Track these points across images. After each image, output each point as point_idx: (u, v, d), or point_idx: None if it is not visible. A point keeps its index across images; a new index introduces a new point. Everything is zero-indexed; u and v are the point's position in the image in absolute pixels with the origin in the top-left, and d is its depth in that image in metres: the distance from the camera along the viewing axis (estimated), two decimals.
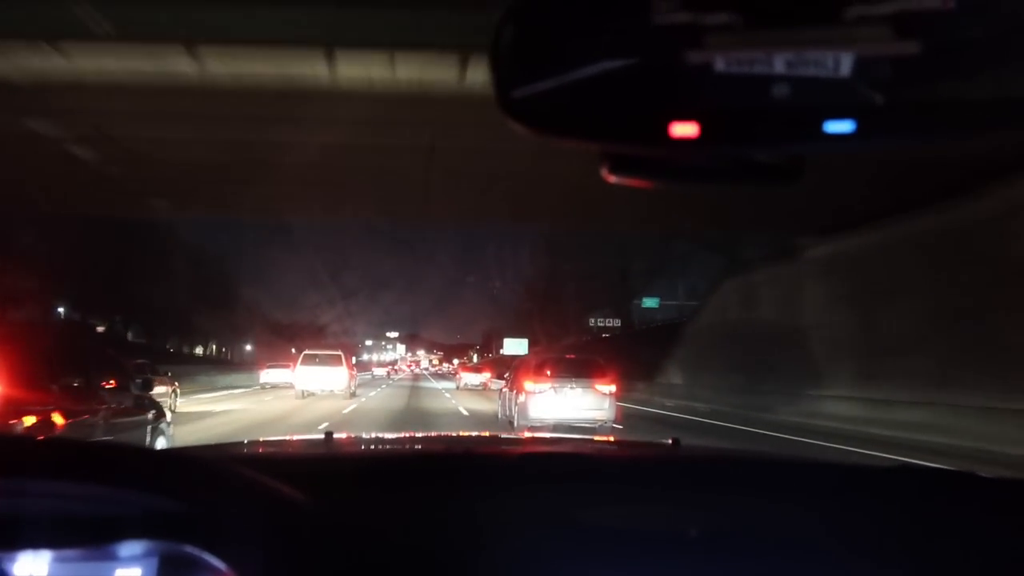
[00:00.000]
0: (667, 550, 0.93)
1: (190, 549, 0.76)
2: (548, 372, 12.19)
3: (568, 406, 11.80)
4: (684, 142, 0.52)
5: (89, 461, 0.78)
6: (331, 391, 23.19)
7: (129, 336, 44.40)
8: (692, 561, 0.92)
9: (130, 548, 0.80)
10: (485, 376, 36.10)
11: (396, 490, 1.08)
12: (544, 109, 0.55)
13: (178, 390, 17.69)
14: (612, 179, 0.61)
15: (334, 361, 23.68)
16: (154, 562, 0.83)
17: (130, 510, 0.77)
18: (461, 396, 27.36)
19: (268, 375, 31.18)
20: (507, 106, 0.56)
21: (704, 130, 0.52)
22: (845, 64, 0.49)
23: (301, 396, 22.40)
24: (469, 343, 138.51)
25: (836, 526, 1.00)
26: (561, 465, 1.34)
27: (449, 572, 0.85)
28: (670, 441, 1.70)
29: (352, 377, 25.10)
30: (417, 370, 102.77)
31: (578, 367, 12.47)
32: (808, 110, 0.51)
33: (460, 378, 36.90)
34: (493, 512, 1.00)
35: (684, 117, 0.52)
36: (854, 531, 0.99)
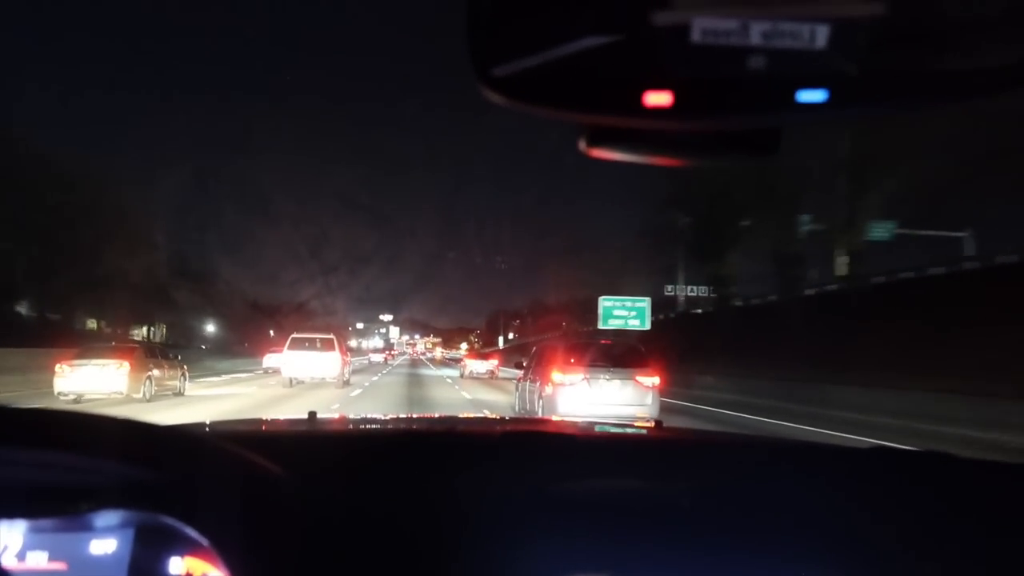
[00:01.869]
0: (643, 521, 0.94)
1: (167, 519, 0.76)
2: (580, 360, 10.45)
3: (604, 401, 10.09)
4: (659, 112, 0.53)
5: (64, 430, 0.77)
6: (322, 379, 21.20)
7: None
8: (668, 530, 0.93)
9: (106, 518, 0.80)
10: (492, 364, 34.35)
11: (375, 465, 1.10)
12: (520, 81, 0.55)
13: (187, 374, 18.22)
14: (591, 152, 0.61)
15: (326, 345, 21.42)
16: (130, 533, 0.83)
17: (106, 480, 0.76)
18: (468, 386, 25.54)
19: (271, 360, 31.67)
20: (483, 78, 0.56)
21: (678, 99, 0.53)
22: (820, 35, 0.50)
23: (289, 384, 20.80)
24: (467, 327, 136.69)
25: (810, 500, 1.02)
26: (541, 443, 1.36)
27: (428, 544, 0.86)
28: (652, 423, 1.81)
29: (345, 363, 22.90)
30: (416, 355, 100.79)
31: (615, 355, 10.77)
32: (781, 80, 0.51)
33: (465, 366, 34.72)
34: (472, 486, 1.01)
35: (658, 87, 0.53)
36: (828, 506, 1.00)
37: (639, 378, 10.35)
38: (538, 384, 11.11)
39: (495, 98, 0.57)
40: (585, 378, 10.22)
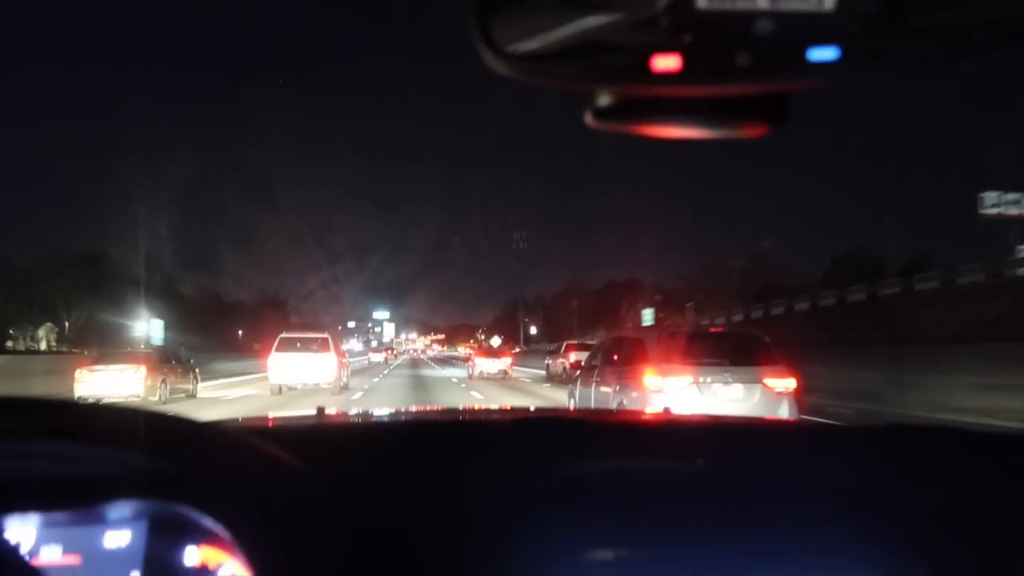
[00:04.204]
0: (659, 498, 0.95)
1: (182, 509, 0.76)
2: (686, 356, 7.70)
3: (723, 412, 6.48)
4: (667, 77, 0.52)
5: (76, 421, 0.77)
6: (316, 385, 18.14)
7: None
8: (684, 507, 0.93)
9: (120, 510, 0.80)
10: (505, 362, 29.62)
11: (389, 453, 1.10)
12: (526, 50, 0.55)
13: (199, 376, 18.93)
14: (597, 125, 0.60)
15: (319, 346, 18.40)
16: (144, 525, 0.83)
17: (119, 470, 0.76)
18: (480, 388, 22.49)
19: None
20: (488, 48, 0.55)
21: (687, 63, 0.52)
22: None
23: (278, 392, 17.90)
24: (471, 324, 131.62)
25: (826, 476, 1.02)
26: (554, 427, 1.36)
27: (444, 527, 0.85)
28: (662, 408, 1.78)
29: (343, 366, 20.01)
30: (417, 354, 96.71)
31: (733, 349, 8.00)
32: (791, 41, 0.51)
33: (474, 365, 29.50)
34: (486, 470, 1.01)
35: (666, 50, 0.52)
36: (844, 481, 1.00)
37: (768, 380, 7.51)
38: (615, 389, 8.32)
39: (500, 68, 0.56)
40: (695, 381, 7.40)
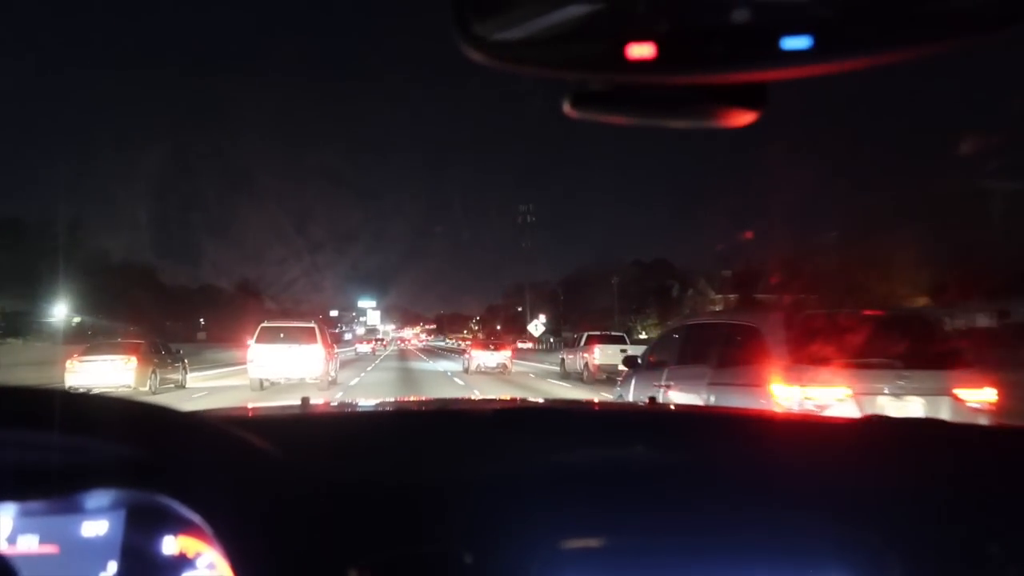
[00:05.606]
0: (640, 488, 0.95)
1: (159, 498, 0.76)
2: (838, 354, 4.93)
3: None
4: (642, 65, 0.52)
5: (53, 409, 0.76)
6: (301, 379, 16.46)
7: None
8: (666, 496, 0.94)
9: (97, 499, 0.80)
10: (505, 355, 26.79)
11: (369, 442, 1.10)
12: (502, 39, 0.55)
13: (187, 367, 18.95)
14: (574, 114, 0.60)
15: (305, 336, 16.63)
16: (122, 514, 0.83)
17: (97, 459, 0.76)
18: (479, 383, 20.74)
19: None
20: (465, 38, 0.56)
21: (661, 51, 0.52)
22: None
23: (258, 387, 16.40)
24: (462, 313, 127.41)
25: (806, 467, 1.02)
26: (536, 418, 1.37)
27: (423, 516, 0.85)
28: (647, 400, 1.70)
29: (331, 358, 18.11)
30: (406, 344, 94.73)
31: (904, 342, 5.13)
32: (766, 29, 0.51)
33: (471, 357, 27.21)
34: (467, 459, 1.01)
35: (641, 39, 0.52)
36: (824, 472, 1.00)
37: (959, 391, 4.90)
38: (707, 399, 5.54)
39: (477, 57, 0.57)
40: (856, 392, 4.74)
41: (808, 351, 4.91)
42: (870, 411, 4.51)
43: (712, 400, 5.49)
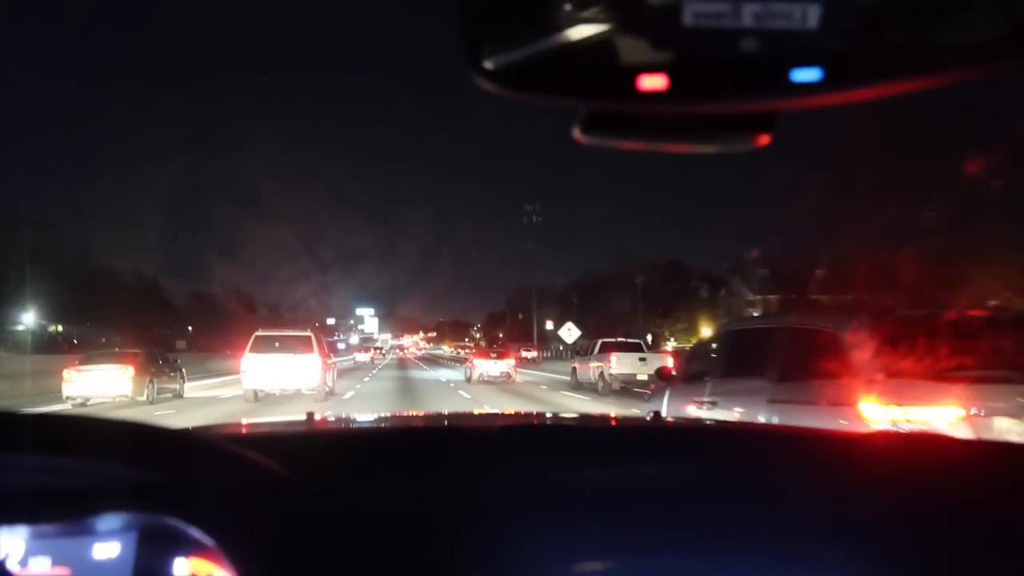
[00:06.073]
0: (648, 506, 0.95)
1: (171, 521, 0.76)
2: (943, 366, 3.73)
3: None
4: (654, 96, 0.53)
5: (65, 433, 0.77)
6: (297, 390, 16.01)
7: None
8: (674, 514, 0.94)
9: (108, 522, 0.80)
10: (509, 364, 26.20)
11: (378, 461, 1.10)
12: (513, 68, 0.56)
13: (185, 376, 18.91)
14: (585, 140, 0.61)
15: (301, 346, 16.14)
16: (133, 536, 0.83)
17: (109, 482, 0.76)
18: (481, 394, 20.15)
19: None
20: (475, 67, 0.56)
21: (673, 83, 0.53)
22: (812, 14, 0.51)
23: (252, 398, 15.90)
24: (461, 321, 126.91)
25: (815, 483, 1.02)
26: (541, 435, 1.37)
27: (433, 537, 0.86)
28: (651, 414, 1.78)
29: (328, 367, 17.65)
30: (405, 353, 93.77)
31: (1019, 348, 3.93)
32: (776, 60, 0.52)
33: (474, 366, 26.38)
34: (475, 478, 1.01)
35: (652, 70, 0.53)
36: (833, 487, 1.00)
37: None
38: (769, 420, 4.49)
39: (487, 87, 0.57)
40: (968, 413, 3.65)
41: (905, 361, 3.89)
42: (986, 435, 3.63)
43: (775, 421, 4.38)
